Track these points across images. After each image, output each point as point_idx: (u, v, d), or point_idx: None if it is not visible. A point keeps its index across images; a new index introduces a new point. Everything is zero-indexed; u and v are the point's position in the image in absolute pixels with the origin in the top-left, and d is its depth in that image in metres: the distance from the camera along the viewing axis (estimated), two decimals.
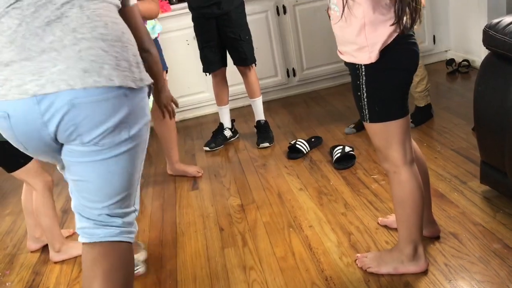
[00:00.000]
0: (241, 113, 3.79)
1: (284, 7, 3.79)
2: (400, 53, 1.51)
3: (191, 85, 3.86)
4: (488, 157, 2.03)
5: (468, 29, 3.83)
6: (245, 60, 3.05)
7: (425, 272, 1.70)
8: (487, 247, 1.78)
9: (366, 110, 1.58)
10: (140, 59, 1.31)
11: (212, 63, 3.08)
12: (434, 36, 4.09)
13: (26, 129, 1.22)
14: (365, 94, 1.56)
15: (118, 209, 1.35)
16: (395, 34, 1.47)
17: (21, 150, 1.32)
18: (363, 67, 1.52)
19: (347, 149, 2.68)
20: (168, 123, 2.66)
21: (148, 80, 1.32)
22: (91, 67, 1.18)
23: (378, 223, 2.06)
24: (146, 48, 1.49)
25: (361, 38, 1.48)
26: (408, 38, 1.52)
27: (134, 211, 1.41)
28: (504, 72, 1.86)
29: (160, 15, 3.49)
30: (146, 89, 1.33)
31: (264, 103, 3.38)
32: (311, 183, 2.52)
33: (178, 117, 3.95)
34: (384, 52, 1.48)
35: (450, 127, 2.86)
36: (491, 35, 1.89)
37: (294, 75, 3.98)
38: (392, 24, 1.45)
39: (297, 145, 2.87)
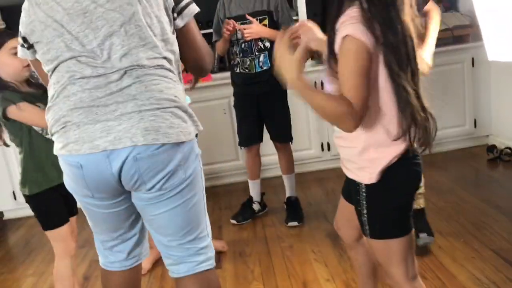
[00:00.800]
0: (272, 185, 3.73)
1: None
2: (402, 174, 1.43)
3: (224, 153, 3.86)
4: None
5: (511, 115, 3.72)
6: (283, 137, 3.06)
7: None
8: None
9: (367, 226, 1.49)
10: (190, 111, 1.49)
11: (248, 137, 3.08)
12: (475, 120, 4.00)
13: (96, 178, 1.44)
14: (365, 211, 1.48)
15: (192, 236, 1.54)
16: (400, 155, 1.39)
17: (85, 194, 1.50)
18: (363, 185, 1.45)
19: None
20: None
21: (195, 131, 1.51)
22: (150, 126, 1.39)
23: None
24: (206, 69, 1.70)
25: (363, 159, 1.42)
26: (413, 159, 1.43)
27: (207, 234, 1.59)
28: None
29: (201, 84, 3.57)
30: (195, 137, 1.53)
31: (296, 174, 3.31)
32: (339, 273, 2.40)
33: (208, 183, 3.94)
34: (386, 172, 1.40)
35: (490, 223, 2.72)
36: None
37: (329, 149, 3.93)
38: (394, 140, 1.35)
39: None
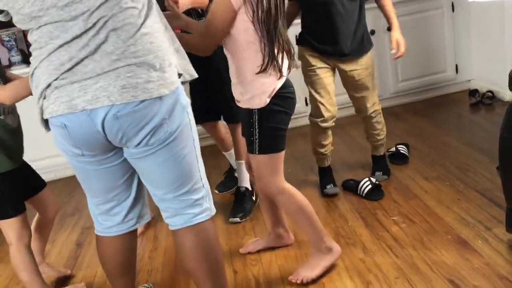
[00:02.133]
0: None
1: None
2: (283, 100, 1.86)
3: None
4: None
5: (492, 59, 3.74)
6: (228, 116, 2.72)
7: None
8: None
9: (257, 144, 1.89)
10: (172, 60, 1.47)
11: (197, 114, 2.72)
12: (456, 66, 4.01)
13: (82, 136, 1.44)
14: (257, 131, 1.87)
15: (186, 188, 1.55)
16: (280, 84, 1.83)
17: (76, 153, 1.51)
18: (256, 110, 1.84)
19: (373, 180, 2.66)
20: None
21: (179, 80, 1.49)
22: (128, 84, 1.37)
23: (241, 252, 2.30)
24: None
25: (252, 88, 1.82)
26: (288, 88, 1.88)
27: (202, 185, 1.59)
28: None
29: None
30: (180, 86, 1.50)
31: None
32: (328, 223, 2.45)
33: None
34: (272, 98, 1.82)
35: (473, 165, 2.77)
36: None
37: None
38: (259, 72, 1.78)
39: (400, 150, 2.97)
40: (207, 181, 1.64)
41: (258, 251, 2.30)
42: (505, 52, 3.51)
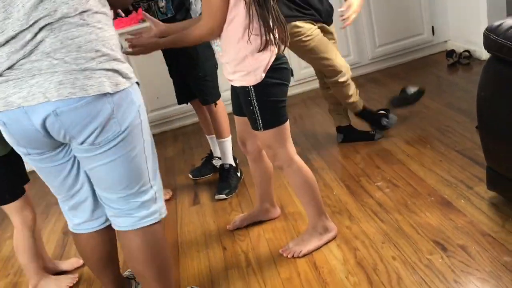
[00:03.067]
0: None
1: None
2: (279, 72, 1.83)
3: None
4: (495, 164, 1.97)
5: (468, 18, 3.74)
6: (201, 97, 2.67)
7: (429, 286, 1.66)
8: (497, 260, 1.73)
9: (260, 120, 1.87)
10: (118, 65, 1.37)
11: (177, 95, 2.79)
12: (432, 27, 4.00)
13: (22, 134, 1.37)
14: (257, 108, 1.84)
15: (132, 190, 1.49)
16: (274, 56, 1.79)
17: (23, 152, 1.46)
18: (251, 87, 1.81)
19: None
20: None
21: (128, 82, 1.40)
22: (65, 79, 1.29)
23: (228, 228, 2.31)
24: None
25: (246, 64, 1.78)
26: (282, 59, 1.84)
27: (151, 187, 1.53)
28: (507, 77, 1.79)
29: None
30: (129, 88, 1.41)
31: None
32: None
33: (178, 123, 3.91)
34: (267, 72, 1.80)
35: (453, 126, 2.79)
36: (492, 39, 1.81)
37: (292, 74, 3.90)
38: (261, 50, 1.75)
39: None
40: (159, 181, 1.58)
41: (246, 226, 2.31)
42: (479, 11, 3.50)
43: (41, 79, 1.29)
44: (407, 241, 1.94)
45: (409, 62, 4.05)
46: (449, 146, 2.59)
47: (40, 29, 1.28)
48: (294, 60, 3.82)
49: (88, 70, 1.31)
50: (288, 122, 1.92)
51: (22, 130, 1.36)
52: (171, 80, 2.76)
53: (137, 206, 1.52)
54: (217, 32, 1.77)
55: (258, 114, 1.86)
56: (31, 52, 1.28)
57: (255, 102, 1.84)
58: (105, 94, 1.34)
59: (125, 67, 1.41)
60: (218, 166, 2.86)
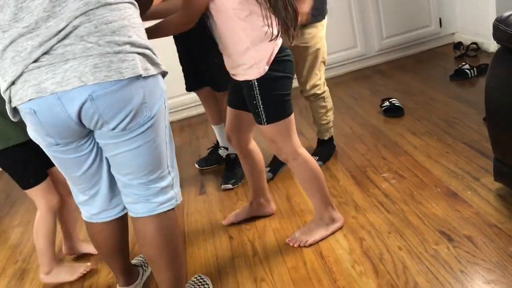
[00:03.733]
0: None
1: None
2: (282, 65, 1.79)
3: None
4: (502, 155, 1.96)
5: (476, 10, 3.71)
6: (214, 84, 2.61)
7: (434, 276, 1.67)
8: (503, 251, 1.73)
9: (264, 114, 1.83)
10: (147, 51, 1.39)
11: (187, 81, 2.75)
12: (440, 19, 3.98)
13: (54, 122, 1.35)
14: (260, 102, 1.81)
15: (153, 176, 1.51)
16: (277, 48, 1.76)
17: (49, 142, 1.44)
18: (255, 80, 1.77)
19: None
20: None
21: (155, 69, 1.41)
22: (100, 62, 1.28)
23: (223, 224, 2.29)
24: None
25: (248, 57, 1.74)
26: (286, 51, 1.81)
27: (169, 173, 1.55)
28: None
29: None
30: (158, 75, 1.44)
31: None
32: None
33: (183, 114, 3.92)
34: (271, 65, 1.76)
35: (460, 117, 2.79)
36: (501, 30, 1.81)
37: None
38: (271, 40, 1.72)
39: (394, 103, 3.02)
40: (176, 167, 1.60)
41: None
42: (488, 2, 3.48)
43: (75, 63, 1.27)
44: (413, 231, 1.95)
45: (416, 54, 4.04)
46: (456, 137, 2.59)
47: (76, 17, 1.28)
48: None
49: (122, 53, 1.31)
50: (292, 116, 1.88)
51: (54, 118, 1.34)
52: (177, 69, 2.75)
53: (156, 192, 1.54)
54: (194, 20, 1.70)
55: (262, 108, 1.83)
56: (64, 37, 1.27)
57: (259, 97, 1.81)
58: (138, 78, 1.34)
59: (154, 54, 1.43)
60: (224, 156, 2.86)
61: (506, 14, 1.82)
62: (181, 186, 2.74)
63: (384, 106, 3.08)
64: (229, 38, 1.75)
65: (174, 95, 3.72)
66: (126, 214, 1.70)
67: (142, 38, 1.40)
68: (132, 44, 1.34)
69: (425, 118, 2.89)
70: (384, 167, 2.48)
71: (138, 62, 1.34)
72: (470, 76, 3.22)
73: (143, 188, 1.53)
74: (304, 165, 1.96)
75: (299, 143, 1.95)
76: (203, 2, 1.68)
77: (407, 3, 3.90)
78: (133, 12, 1.40)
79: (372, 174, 2.44)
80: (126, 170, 1.50)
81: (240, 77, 1.84)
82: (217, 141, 3.00)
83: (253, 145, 2.16)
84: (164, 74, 1.49)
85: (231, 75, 1.89)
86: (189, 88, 2.77)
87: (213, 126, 2.93)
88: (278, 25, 1.72)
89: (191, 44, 2.53)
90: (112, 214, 1.68)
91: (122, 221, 1.72)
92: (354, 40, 3.91)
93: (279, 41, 1.78)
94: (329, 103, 2.65)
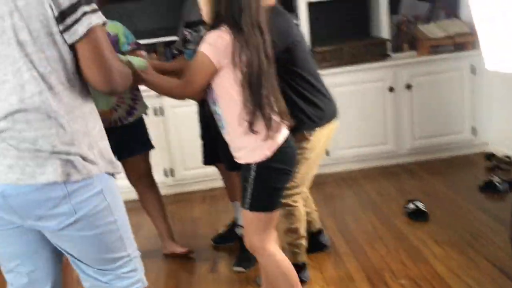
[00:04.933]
0: None
1: None
2: (285, 157, 1.78)
3: None
4: None
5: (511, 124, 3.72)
6: (225, 161, 2.55)
7: None
8: None
9: (249, 199, 1.79)
10: (76, 157, 1.30)
11: (206, 156, 2.82)
12: (473, 128, 3.99)
13: None
14: (252, 187, 1.77)
15: (110, 266, 1.44)
16: (282, 136, 1.77)
17: None
18: (254, 165, 1.75)
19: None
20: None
21: (83, 174, 1.31)
22: (15, 164, 1.26)
23: None
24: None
25: (252, 140, 1.73)
26: (290, 144, 1.81)
27: (127, 255, 1.47)
28: None
29: None
30: (89, 178, 1.33)
31: None
32: (334, 281, 2.40)
33: (207, 185, 3.93)
34: (274, 154, 1.74)
35: (486, 232, 2.71)
36: None
37: (328, 154, 3.93)
38: (265, 139, 1.72)
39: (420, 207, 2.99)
40: (137, 252, 1.52)
41: None
42: None
43: None
44: None
45: (447, 159, 4.01)
46: (480, 253, 2.50)
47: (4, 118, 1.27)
48: (332, 139, 3.86)
49: (41, 159, 1.27)
50: (277, 212, 1.83)
51: None
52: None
53: (117, 276, 1.47)
54: (190, 95, 1.80)
55: (250, 193, 1.78)
56: None
57: (252, 183, 1.77)
58: (57, 184, 1.29)
59: (86, 160, 1.32)
60: (240, 236, 2.82)
61: None
62: (193, 259, 2.77)
63: (408, 208, 3.03)
64: (229, 121, 1.75)
65: (198, 165, 3.75)
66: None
67: (73, 143, 1.30)
68: (55, 152, 1.28)
69: (449, 227, 2.82)
70: (402, 272, 2.40)
71: (58, 168, 1.28)
72: (500, 190, 3.18)
73: (100, 274, 1.46)
74: (273, 263, 1.87)
75: (272, 239, 1.86)
76: (199, 84, 1.70)
77: (440, 107, 3.94)
78: (69, 111, 1.30)
79: (389, 280, 2.36)
80: (78, 258, 1.44)
81: (242, 161, 1.80)
82: (234, 218, 2.97)
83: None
84: (112, 174, 1.42)
85: (235, 159, 1.84)
86: (205, 162, 2.84)
87: (231, 203, 2.92)
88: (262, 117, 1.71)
89: (210, 119, 2.58)
90: None
91: None
92: (385, 137, 3.94)
93: (284, 131, 1.78)
94: (296, 224, 2.33)
